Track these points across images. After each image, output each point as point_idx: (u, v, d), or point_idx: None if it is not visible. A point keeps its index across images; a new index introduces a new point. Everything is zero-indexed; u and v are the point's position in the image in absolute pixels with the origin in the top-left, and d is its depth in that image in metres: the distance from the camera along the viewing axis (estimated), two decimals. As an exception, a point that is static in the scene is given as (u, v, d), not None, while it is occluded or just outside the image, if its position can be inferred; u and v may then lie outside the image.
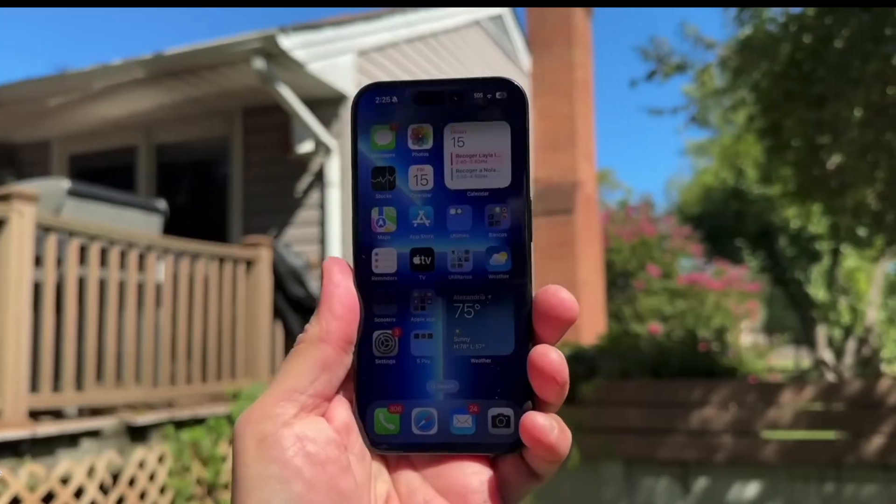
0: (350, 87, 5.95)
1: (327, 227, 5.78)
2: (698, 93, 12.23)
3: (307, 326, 0.46)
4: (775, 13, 6.19)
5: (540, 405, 0.46)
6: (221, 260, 4.91)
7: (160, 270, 4.52)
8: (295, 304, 5.32)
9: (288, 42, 5.19)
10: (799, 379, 5.34)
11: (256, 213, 6.21)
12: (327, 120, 5.92)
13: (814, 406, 5.03)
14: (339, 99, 5.95)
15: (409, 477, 0.47)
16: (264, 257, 5.15)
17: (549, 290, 0.46)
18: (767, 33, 6.02)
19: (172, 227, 5.43)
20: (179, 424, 4.38)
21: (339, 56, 5.89)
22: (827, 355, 14.42)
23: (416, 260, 0.48)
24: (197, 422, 4.49)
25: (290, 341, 5.48)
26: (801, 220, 13.87)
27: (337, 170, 5.83)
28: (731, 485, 5.17)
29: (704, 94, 11.57)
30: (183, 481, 4.21)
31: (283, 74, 5.41)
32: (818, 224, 13.64)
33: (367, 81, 4.91)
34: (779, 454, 4.99)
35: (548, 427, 0.44)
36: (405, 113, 0.48)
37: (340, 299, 0.46)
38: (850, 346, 14.99)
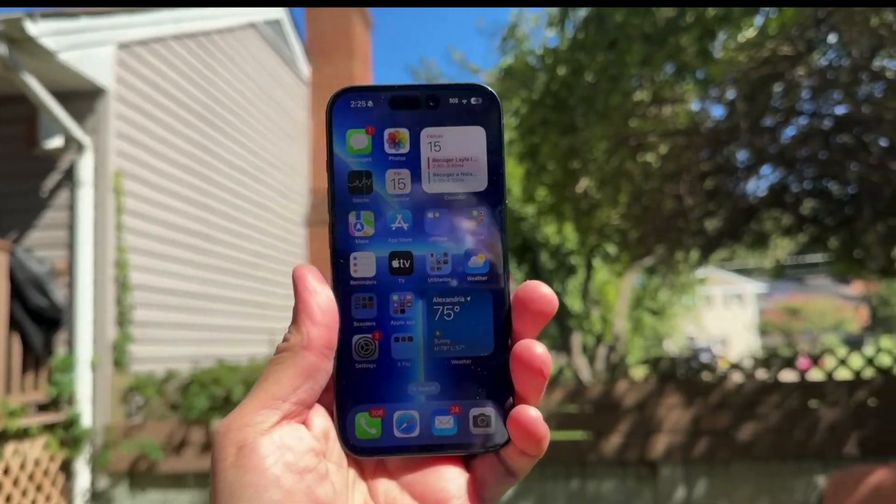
0: (109, 80, 5.55)
1: (77, 230, 5.32)
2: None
3: (286, 335, 0.45)
4: (534, 45, 6.69)
5: (520, 403, 0.47)
6: (-54, 264, 4.38)
7: None
8: (36, 315, 4.85)
9: (35, 29, 4.75)
10: (551, 383, 5.75)
11: (-6, 213, 5.59)
12: (81, 114, 5.47)
13: (568, 408, 5.42)
14: (95, 92, 5.52)
15: (386, 486, 0.47)
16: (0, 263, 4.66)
17: (530, 286, 0.47)
18: (527, 63, 6.47)
19: None
20: None
21: (97, 47, 5.48)
22: (581, 361, 15.65)
23: (395, 263, 0.48)
24: None
25: (28, 356, 4.99)
26: (559, 237, 15.02)
27: (90, 168, 5.40)
28: (487, 486, 5.45)
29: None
30: None
31: (30, 63, 4.93)
32: (573, 241, 14.85)
33: (128, 75, 4.59)
34: (530, 455, 5.32)
35: (539, 420, 0.46)
36: (381, 117, 0.48)
37: (320, 305, 0.45)
38: (601, 352, 16.44)
